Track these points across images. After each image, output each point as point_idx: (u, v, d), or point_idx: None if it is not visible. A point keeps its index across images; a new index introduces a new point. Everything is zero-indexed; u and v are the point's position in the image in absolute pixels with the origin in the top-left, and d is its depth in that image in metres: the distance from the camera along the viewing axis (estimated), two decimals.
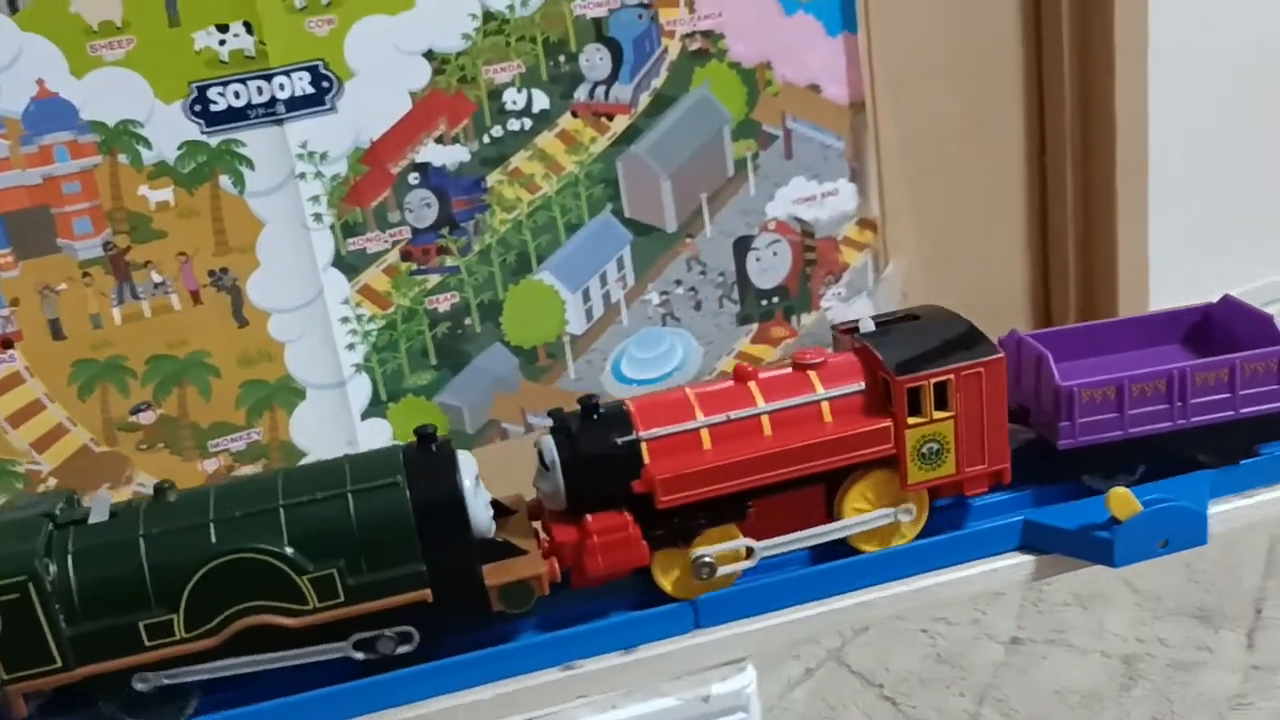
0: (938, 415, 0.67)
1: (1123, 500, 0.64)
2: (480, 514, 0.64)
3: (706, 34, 1.38)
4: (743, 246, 1.47)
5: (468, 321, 1.33)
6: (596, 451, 0.65)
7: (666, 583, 0.67)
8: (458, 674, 0.65)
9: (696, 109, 1.40)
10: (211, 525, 0.62)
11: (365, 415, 1.31)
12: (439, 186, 1.28)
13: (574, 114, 1.33)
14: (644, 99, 1.37)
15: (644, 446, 0.65)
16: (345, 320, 1.28)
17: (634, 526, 0.64)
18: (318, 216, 1.24)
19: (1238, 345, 0.73)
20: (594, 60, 1.33)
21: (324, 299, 1.26)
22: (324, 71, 1.20)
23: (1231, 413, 0.72)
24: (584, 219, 1.37)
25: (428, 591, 0.62)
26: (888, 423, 0.67)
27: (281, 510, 0.62)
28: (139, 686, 0.62)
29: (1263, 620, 1.20)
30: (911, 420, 0.66)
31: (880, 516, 0.68)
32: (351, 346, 1.28)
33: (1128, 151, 1.59)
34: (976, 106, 1.57)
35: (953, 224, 1.61)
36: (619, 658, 0.64)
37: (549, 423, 0.69)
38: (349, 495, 0.62)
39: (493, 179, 1.30)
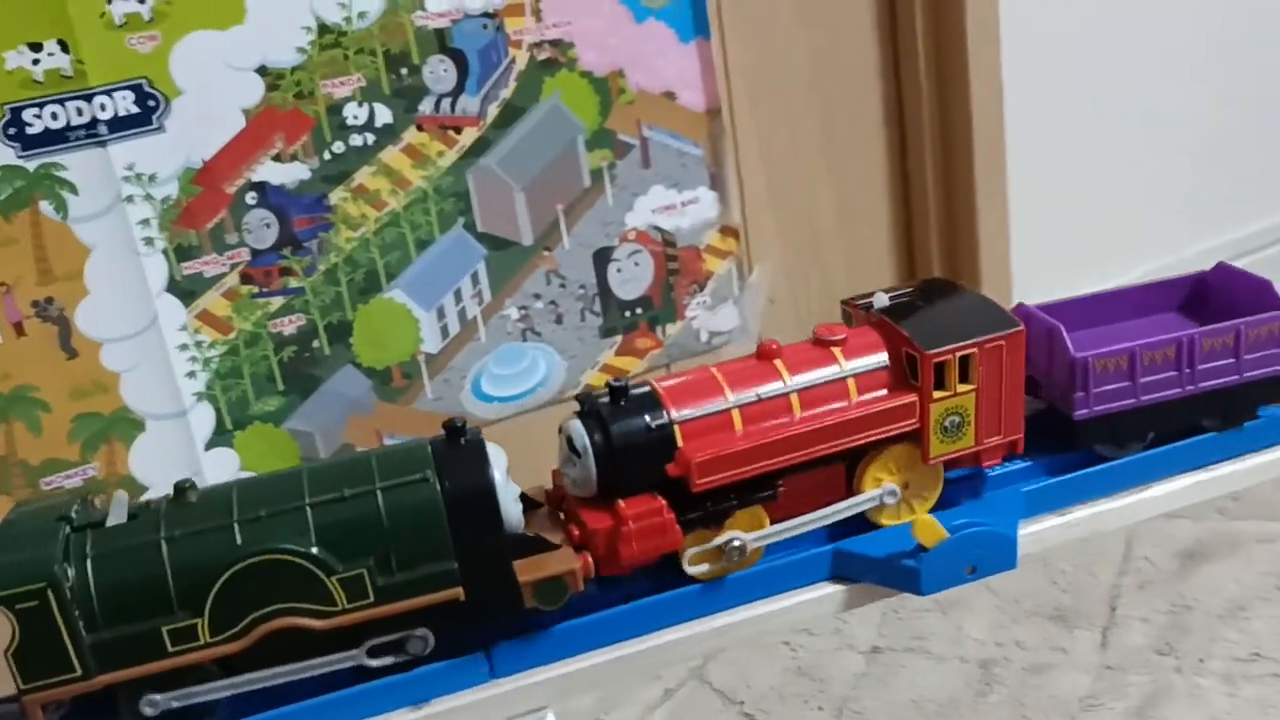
0: (961, 389, 0.66)
1: (928, 527, 0.63)
2: (511, 508, 0.62)
3: (555, 43, 1.35)
4: (603, 258, 1.45)
5: (315, 344, 1.29)
6: (630, 436, 0.63)
7: (692, 568, 0.66)
8: None
9: (548, 119, 1.38)
10: (236, 526, 0.60)
11: (210, 445, 1.26)
12: (278, 205, 1.24)
13: (419, 128, 1.30)
14: (492, 110, 1.34)
15: (676, 429, 0.64)
16: (184, 347, 1.23)
17: (668, 511, 0.63)
18: (149, 240, 1.19)
19: (1236, 310, 0.74)
20: (438, 72, 1.30)
21: (159, 326, 1.21)
22: (149, 90, 1.15)
23: (1236, 377, 0.72)
24: (435, 235, 1.34)
25: (460, 590, 0.60)
26: (914, 398, 0.66)
27: (309, 509, 0.60)
28: (147, 711, 0.60)
29: (1116, 618, 1.21)
30: (936, 394, 0.66)
31: (866, 500, 0.67)
32: (192, 374, 1.24)
33: (985, 149, 1.60)
34: (835, 109, 1.57)
35: (816, 228, 1.61)
36: (409, 714, 0.61)
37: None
38: (378, 492, 0.60)
39: (335, 196, 1.26)
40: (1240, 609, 1.20)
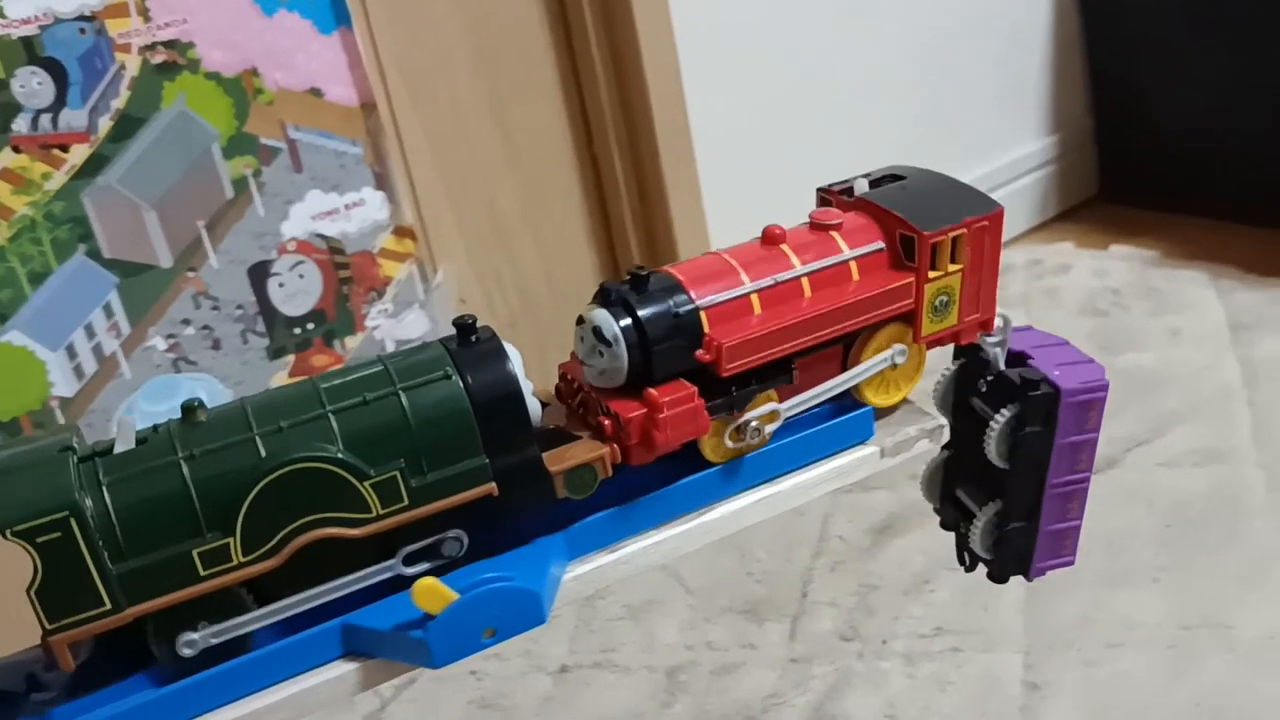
0: (951, 268, 0.68)
1: (432, 592, 0.55)
2: (532, 403, 0.61)
3: (171, 44, 1.23)
4: (260, 273, 1.33)
5: None
6: (659, 322, 0.62)
7: (712, 453, 0.65)
8: None
9: (174, 128, 1.25)
10: (259, 439, 0.57)
11: None
12: None
13: (16, 149, 1.16)
14: (104, 124, 1.21)
15: (702, 314, 0.63)
16: None
17: (699, 396, 0.62)
18: None
19: None
20: (30, 86, 1.16)
21: None
22: None
23: None
24: (51, 266, 1.20)
25: (493, 485, 0.59)
26: (911, 278, 0.67)
27: (331, 416, 0.57)
28: (185, 651, 0.57)
29: (807, 605, 1.18)
30: (931, 274, 0.67)
31: (880, 361, 0.68)
32: None
33: (668, 125, 1.54)
34: (506, 97, 1.49)
35: (501, 221, 1.53)
36: None
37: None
38: (400, 394, 0.58)
39: None
40: (925, 582, 1.17)
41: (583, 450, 0.61)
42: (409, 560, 0.59)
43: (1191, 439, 1.30)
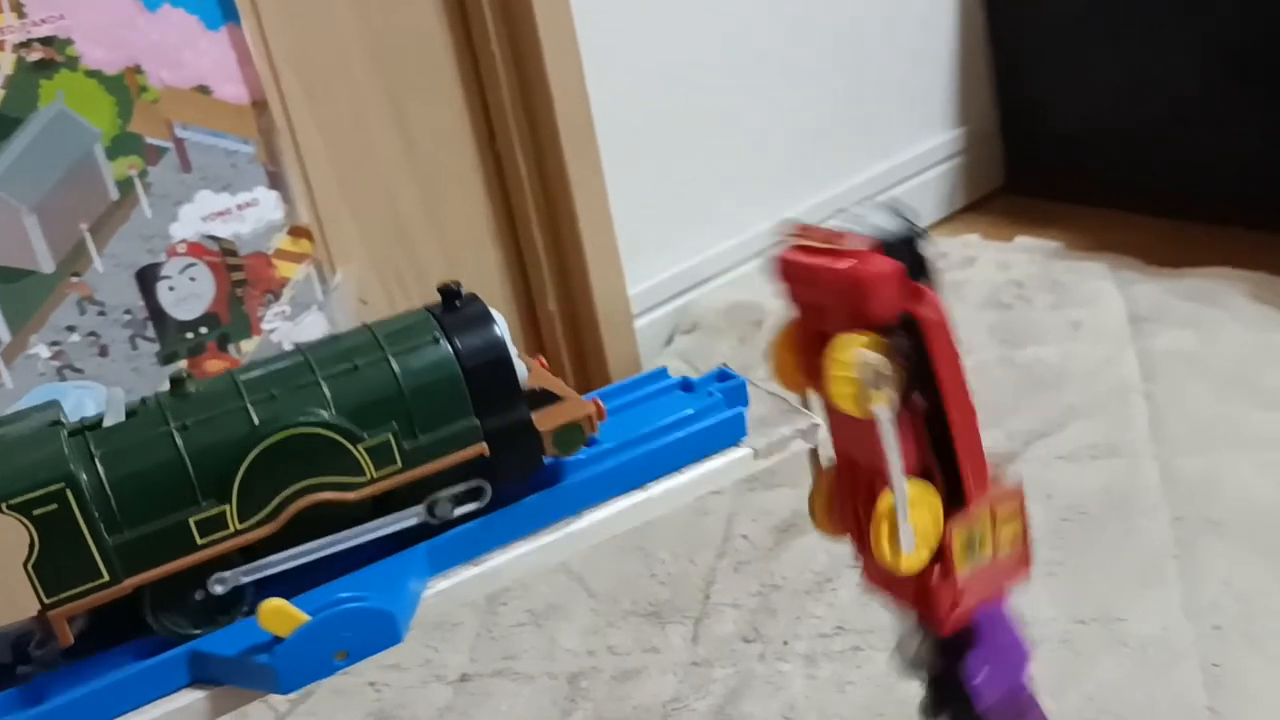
0: None
1: (279, 614, 0.53)
2: (518, 364, 0.62)
3: (48, 41, 1.18)
4: (149, 277, 1.29)
5: None
6: None
7: None
8: None
9: (52, 128, 1.21)
10: (251, 407, 0.57)
11: None
12: None
13: None
14: None
15: None
16: None
17: None
18: None
19: None
20: None
21: None
22: None
23: None
24: None
25: (484, 446, 0.60)
26: None
27: (323, 383, 0.59)
28: (217, 589, 0.57)
29: (710, 607, 1.17)
30: None
31: None
32: None
33: (571, 119, 1.53)
34: (404, 94, 1.46)
35: (402, 220, 1.50)
36: None
37: None
38: (390, 359, 0.59)
39: None
40: (828, 580, 1.17)
41: (570, 409, 0.62)
42: (433, 509, 0.60)
43: (1089, 433, 1.31)
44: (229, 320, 1.36)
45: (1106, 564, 1.12)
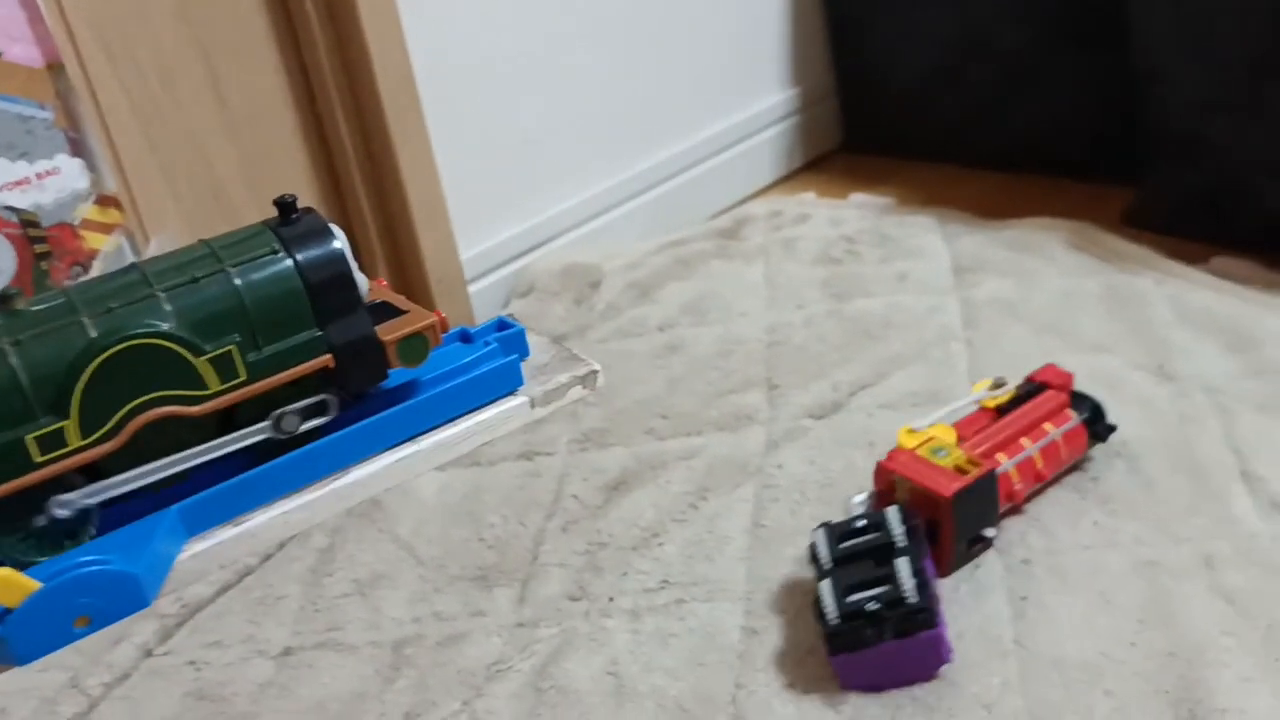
0: None
1: (5, 584, 0.51)
2: (360, 277, 0.61)
3: None
4: None
5: None
6: None
7: None
8: None
9: None
10: (86, 321, 0.56)
11: None
12: None
13: None
14: None
15: None
16: None
17: None
18: None
19: None
20: None
21: None
22: None
23: None
24: None
25: (329, 357, 0.60)
26: None
27: (161, 295, 0.57)
28: (59, 513, 0.55)
29: (537, 568, 1.16)
30: None
31: None
32: None
33: (392, 82, 1.49)
34: (216, 55, 1.41)
35: (219, 186, 1.45)
36: None
37: None
38: (228, 271, 0.59)
39: None
40: (654, 536, 1.17)
41: (414, 320, 0.62)
42: (279, 424, 0.60)
43: (911, 381, 1.33)
44: (34, 294, 1.29)
45: None
